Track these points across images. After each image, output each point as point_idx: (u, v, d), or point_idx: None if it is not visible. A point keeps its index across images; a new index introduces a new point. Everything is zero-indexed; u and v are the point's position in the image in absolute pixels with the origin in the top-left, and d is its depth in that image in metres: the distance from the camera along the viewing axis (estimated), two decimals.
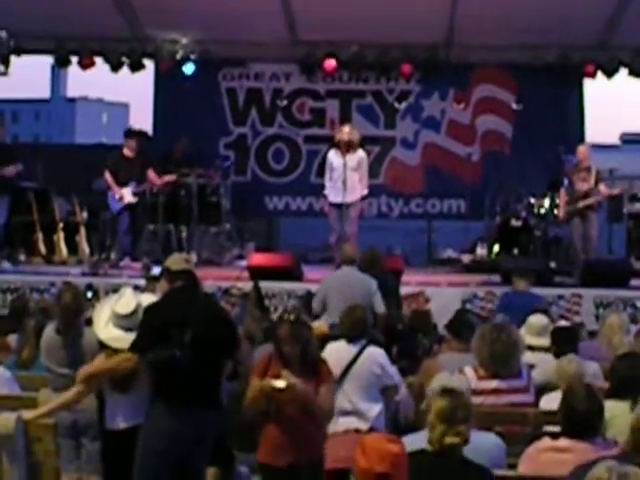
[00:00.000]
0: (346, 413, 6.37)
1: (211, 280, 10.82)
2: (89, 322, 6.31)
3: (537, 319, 7.60)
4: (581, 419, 4.76)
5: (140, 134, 14.83)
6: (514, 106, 14.89)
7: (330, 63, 14.53)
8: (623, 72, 14.35)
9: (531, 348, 7.16)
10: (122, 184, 13.06)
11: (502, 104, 15.06)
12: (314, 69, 14.85)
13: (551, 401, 6.01)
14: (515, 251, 13.51)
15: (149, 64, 14.99)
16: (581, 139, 14.69)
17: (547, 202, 13.32)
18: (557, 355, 6.84)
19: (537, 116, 14.75)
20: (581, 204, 12.25)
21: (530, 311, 8.03)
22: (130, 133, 14.23)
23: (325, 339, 6.98)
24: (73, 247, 13.97)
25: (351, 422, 6.36)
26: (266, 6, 13.59)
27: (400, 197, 15.20)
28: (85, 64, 14.68)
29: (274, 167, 15.28)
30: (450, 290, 11.43)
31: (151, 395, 5.65)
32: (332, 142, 12.60)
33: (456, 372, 5.99)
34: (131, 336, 5.74)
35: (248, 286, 10.48)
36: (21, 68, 16.70)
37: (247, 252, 13.67)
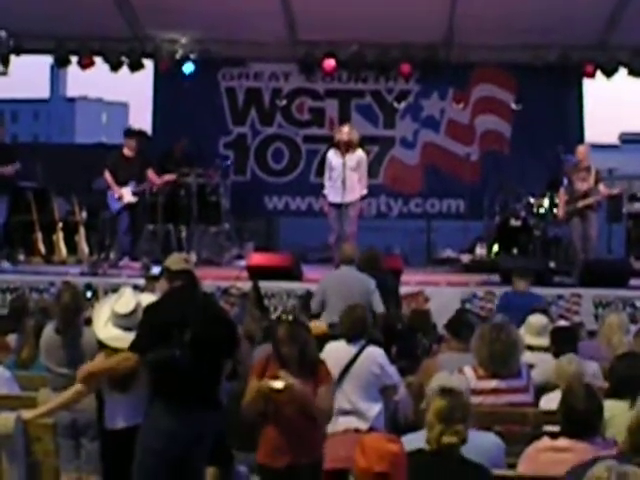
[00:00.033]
0: (346, 413, 6.37)
1: (210, 280, 10.82)
2: (88, 322, 6.31)
3: (536, 319, 7.61)
4: (580, 419, 4.76)
5: (140, 134, 14.82)
6: (513, 106, 14.90)
7: (329, 63, 14.54)
8: (622, 72, 14.37)
9: (530, 348, 7.16)
10: (122, 184, 13.05)
11: (501, 104, 15.07)
12: (313, 69, 14.86)
13: (551, 401, 6.01)
14: (514, 251, 13.51)
15: (148, 64, 15.00)
16: (580, 139, 14.69)
17: (546, 202, 13.33)
18: (556, 355, 6.84)
19: (536, 116, 14.75)
20: (580, 204, 12.26)
21: (529, 311, 8.03)
22: (130, 133, 14.22)
23: (324, 338, 6.97)
24: (72, 247, 13.98)
25: (351, 422, 6.36)
26: (266, 6, 13.59)
27: (399, 197, 15.20)
28: (85, 64, 14.69)
29: (273, 167, 15.28)
30: (449, 290, 11.44)
31: (150, 395, 5.65)
32: (331, 142, 12.61)
33: (455, 372, 5.98)
34: (130, 336, 5.74)
35: (247, 286, 10.48)
36: (21, 68, 16.75)
37: (246, 252, 13.67)
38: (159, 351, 5.54)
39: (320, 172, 13.39)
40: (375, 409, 6.42)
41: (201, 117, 14.97)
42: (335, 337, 6.88)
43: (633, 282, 11.66)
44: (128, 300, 5.99)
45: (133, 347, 5.65)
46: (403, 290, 10.60)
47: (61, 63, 15.10)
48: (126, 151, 13.30)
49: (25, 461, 6.08)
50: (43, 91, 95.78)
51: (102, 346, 5.94)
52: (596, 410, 4.81)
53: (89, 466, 6.09)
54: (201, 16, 13.67)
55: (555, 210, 13.03)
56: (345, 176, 12.01)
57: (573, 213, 12.31)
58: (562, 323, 8.53)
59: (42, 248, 13.80)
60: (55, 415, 6.11)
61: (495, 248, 13.69)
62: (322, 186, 12.59)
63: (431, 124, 15.16)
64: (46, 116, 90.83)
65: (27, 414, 6.10)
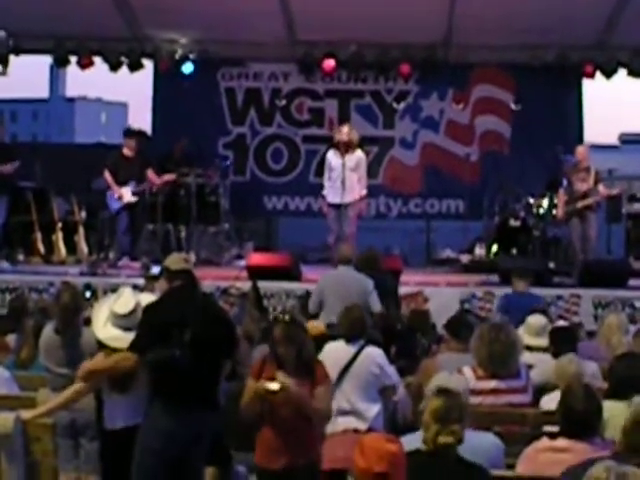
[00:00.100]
0: (345, 413, 6.37)
1: (210, 280, 10.81)
2: (88, 322, 6.31)
3: (536, 319, 7.61)
4: (579, 419, 4.76)
5: (139, 134, 14.83)
6: (513, 106, 14.90)
7: (329, 63, 14.54)
8: (622, 72, 14.36)
9: (530, 348, 7.16)
10: (121, 183, 13.06)
11: (501, 104, 15.07)
12: (313, 69, 14.86)
13: (551, 401, 6.00)
14: (514, 251, 13.50)
15: (148, 64, 15.00)
16: (580, 139, 14.69)
17: (546, 202, 13.33)
18: (555, 355, 6.84)
19: (536, 116, 14.75)
20: (580, 204, 12.26)
21: (529, 311, 8.03)
22: (129, 133, 14.23)
23: (322, 339, 6.98)
24: (72, 247, 13.98)
25: (350, 422, 6.36)
26: (265, 6, 13.59)
27: (399, 197, 15.20)
28: (84, 64, 14.68)
29: (273, 167, 15.28)
30: (449, 290, 11.43)
31: (150, 395, 5.66)
32: (331, 142, 12.61)
33: (454, 372, 5.98)
34: (130, 335, 5.75)
35: (247, 286, 10.48)
36: (20, 68, 16.73)
37: (246, 252, 13.67)
38: (158, 351, 5.54)
39: (319, 172, 13.39)
40: (374, 409, 6.42)
41: (200, 117, 14.97)
42: (333, 337, 6.89)
43: (632, 282, 11.65)
44: (127, 300, 5.99)
45: (132, 347, 5.65)
46: (402, 290, 10.60)
47: (60, 63, 15.11)
48: (126, 151, 13.30)
49: (24, 461, 6.08)
50: (42, 91, 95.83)
51: (101, 346, 5.94)
52: (595, 410, 4.81)
53: (88, 466, 6.09)
54: (200, 16, 13.67)
55: (554, 210, 13.03)
56: (344, 176, 12.01)
57: (572, 213, 12.31)
58: (561, 323, 8.52)
59: (41, 248, 13.80)
60: (54, 415, 6.11)
61: (494, 248, 13.69)
62: (321, 186, 12.59)
63: (430, 124, 15.16)
64: (45, 116, 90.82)
65: (26, 414, 6.10)
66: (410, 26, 13.57)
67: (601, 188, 12.37)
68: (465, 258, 13.92)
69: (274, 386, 5.41)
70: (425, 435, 4.43)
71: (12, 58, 14.69)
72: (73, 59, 14.73)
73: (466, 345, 6.69)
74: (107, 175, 13.11)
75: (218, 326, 5.79)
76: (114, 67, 14.66)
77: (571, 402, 4.81)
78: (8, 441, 6.02)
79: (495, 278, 11.72)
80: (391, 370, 6.61)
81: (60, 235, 13.91)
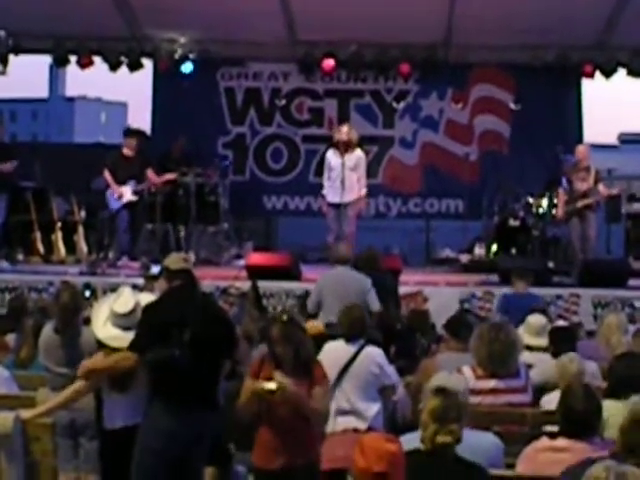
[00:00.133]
0: (344, 412, 6.37)
1: (209, 279, 10.81)
2: (87, 321, 6.31)
3: (535, 319, 7.61)
4: (579, 419, 4.76)
5: (139, 133, 14.82)
6: (512, 106, 14.90)
7: (329, 63, 14.54)
8: (621, 72, 14.37)
9: (529, 348, 7.16)
10: (121, 183, 13.05)
11: (500, 104, 15.07)
12: (313, 69, 14.86)
13: (551, 401, 6.01)
14: (513, 251, 13.50)
15: (148, 63, 15.00)
16: (579, 139, 14.70)
17: (545, 202, 13.33)
18: (555, 355, 6.84)
19: (535, 116, 14.75)
20: (580, 204, 12.25)
21: (528, 311, 8.03)
22: (129, 132, 14.24)
23: (321, 338, 6.97)
24: (71, 246, 13.97)
25: (349, 421, 6.36)
26: (265, 6, 13.59)
27: (398, 197, 15.20)
28: (84, 63, 14.68)
29: (272, 166, 15.28)
30: (448, 290, 11.43)
31: (149, 394, 5.65)
32: (330, 142, 12.60)
33: (454, 372, 5.98)
34: (129, 335, 5.74)
35: (246, 286, 10.48)
36: (19, 67, 16.71)
37: (245, 251, 13.67)
38: (158, 351, 5.54)
39: (319, 172, 13.39)
40: (374, 409, 6.42)
41: (200, 117, 14.97)
42: (332, 337, 6.89)
43: (632, 282, 11.65)
44: (127, 299, 5.99)
45: (132, 347, 5.65)
46: (402, 290, 10.59)
47: (60, 63, 15.11)
48: (125, 151, 13.30)
49: (23, 461, 6.08)
50: (42, 91, 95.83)
51: (101, 346, 5.94)
52: (595, 410, 4.81)
53: (87, 466, 6.09)
54: (200, 16, 13.67)
55: (554, 210, 13.03)
56: (344, 176, 12.01)
57: (572, 213, 12.31)
58: (561, 323, 8.53)
59: (41, 248, 13.79)
60: (54, 415, 6.11)
61: (494, 248, 13.69)
62: (321, 186, 12.58)
63: (430, 124, 15.17)
64: (45, 116, 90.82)
65: (26, 414, 6.10)
66: (410, 26, 13.57)
67: (601, 188, 12.36)
68: (465, 258, 13.91)
69: (271, 386, 5.41)
70: (423, 435, 4.43)
71: (12, 58, 14.69)
72: (73, 59, 14.73)
73: (465, 345, 6.69)
74: (107, 175, 13.11)
75: (218, 326, 5.79)
76: (114, 67, 14.66)
77: (571, 402, 4.81)
78: (8, 441, 6.02)
79: (495, 278, 11.72)
80: (391, 370, 6.61)
81: (59, 235, 13.90)
